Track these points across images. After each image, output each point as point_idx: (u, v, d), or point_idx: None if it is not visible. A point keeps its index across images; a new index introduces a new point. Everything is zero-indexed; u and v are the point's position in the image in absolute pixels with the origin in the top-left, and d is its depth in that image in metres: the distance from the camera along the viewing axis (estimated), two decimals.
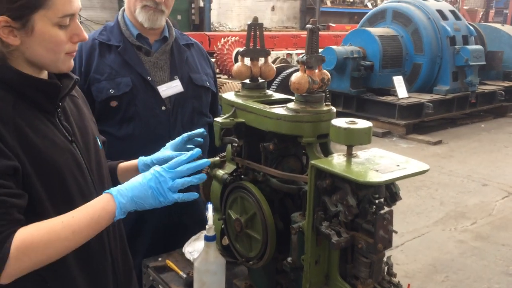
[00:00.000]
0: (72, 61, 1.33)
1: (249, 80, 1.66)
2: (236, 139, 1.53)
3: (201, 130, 1.68)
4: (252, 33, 1.62)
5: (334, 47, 8.65)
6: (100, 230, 1.27)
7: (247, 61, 1.65)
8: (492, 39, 10.05)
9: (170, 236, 2.14)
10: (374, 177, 1.16)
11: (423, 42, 8.77)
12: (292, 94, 1.48)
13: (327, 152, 1.44)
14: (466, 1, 21.35)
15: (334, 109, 1.43)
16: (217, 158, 1.70)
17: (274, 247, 1.48)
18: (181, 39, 2.22)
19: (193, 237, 1.95)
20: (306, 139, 1.39)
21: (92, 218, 1.23)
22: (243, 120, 1.53)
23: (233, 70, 1.65)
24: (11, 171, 1.15)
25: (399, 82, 8.45)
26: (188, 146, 1.65)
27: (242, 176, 1.60)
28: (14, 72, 1.23)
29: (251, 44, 1.63)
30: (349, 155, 1.28)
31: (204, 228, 1.54)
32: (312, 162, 1.26)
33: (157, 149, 1.67)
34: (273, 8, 19.31)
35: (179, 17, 13.73)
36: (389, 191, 1.28)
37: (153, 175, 1.31)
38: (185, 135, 1.66)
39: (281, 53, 10.72)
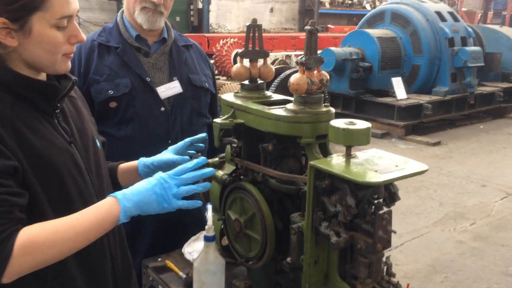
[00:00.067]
0: (69, 63, 1.34)
1: (248, 81, 1.66)
2: (235, 140, 1.54)
3: (203, 134, 1.68)
4: (251, 34, 1.62)
5: (333, 48, 8.66)
6: (103, 233, 1.28)
7: (246, 62, 1.65)
8: (490, 41, 10.07)
9: (169, 237, 2.14)
10: (373, 177, 1.17)
11: (421, 43, 8.79)
12: (291, 95, 1.48)
13: (326, 153, 1.44)
14: (464, 3, 21.38)
15: (333, 109, 1.43)
16: (217, 159, 1.70)
17: (274, 247, 1.48)
18: (180, 40, 2.23)
19: (193, 238, 1.96)
20: (305, 140, 1.39)
21: (96, 221, 1.24)
22: (242, 121, 1.54)
23: (232, 71, 1.65)
24: (11, 170, 1.16)
25: (398, 84, 8.46)
26: (189, 151, 1.66)
27: (241, 177, 1.60)
28: (12, 74, 1.23)
29: (250, 45, 1.64)
30: (348, 156, 1.28)
31: (203, 229, 1.54)
32: (311, 162, 1.27)
33: (157, 150, 1.67)
34: (271, 10, 19.32)
35: (177, 18, 13.76)
36: (388, 192, 1.28)
37: (158, 181, 1.31)
38: (187, 140, 1.66)
39: (280, 54, 10.73)
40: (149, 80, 2.05)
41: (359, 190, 1.23)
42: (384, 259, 1.34)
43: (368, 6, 20.18)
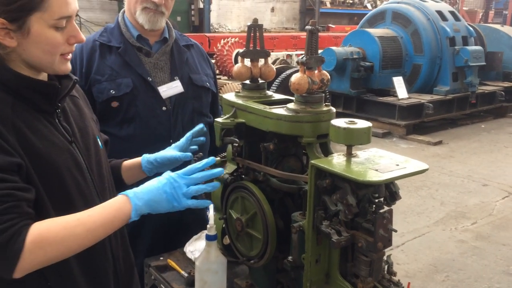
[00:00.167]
0: (69, 64, 1.34)
1: (249, 81, 1.67)
2: (237, 139, 1.54)
3: (200, 125, 1.69)
4: (252, 34, 1.63)
5: (334, 48, 8.65)
6: (113, 230, 1.28)
7: (247, 62, 1.66)
8: (491, 40, 10.06)
9: (171, 236, 2.15)
10: (374, 176, 1.17)
11: (422, 43, 8.78)
12: (292, 95, 1.48)
13: (327, 152, 1.45)
14: (465, 2, 21.37)
15: (333, 109, 1.44)
16: (218, 158, 1.70)
17: (275, 246, 1.49)
18: (181, 40, 2.23)
19: (194, 237, 1.96)
20: (306, 139, 1.39)
21: (107, 218, 1.24)
22: (243, 121, 1.54)
23: (233, 71, 1.66)
24: (15, 167, 1.16)
25: (399, 83, 8.45)
26: (192, 147, 1.67)
27: (243, 176, 1.61)
28: (12, 74, 1.23)
29: (251, 45, 1.64)
30: (349, 155, 1.29)
31: (205, 228, 1.54)
32: (312, 161, 1.27)
33: (158, 149, 1.68)
34: (272, 10, 19.32)
35: (178, 18, 13.75)
36: (388, 191, 1.29)
37: (168, 180, 1.31)
38: (188, 134, 1.67)
39: (281, 54, 10.75)
40: (150, 79, 2.05)
41: (360, 189, 1.23)
42: (385, 257, 1.34)
43: (369, 6, 20.17)
